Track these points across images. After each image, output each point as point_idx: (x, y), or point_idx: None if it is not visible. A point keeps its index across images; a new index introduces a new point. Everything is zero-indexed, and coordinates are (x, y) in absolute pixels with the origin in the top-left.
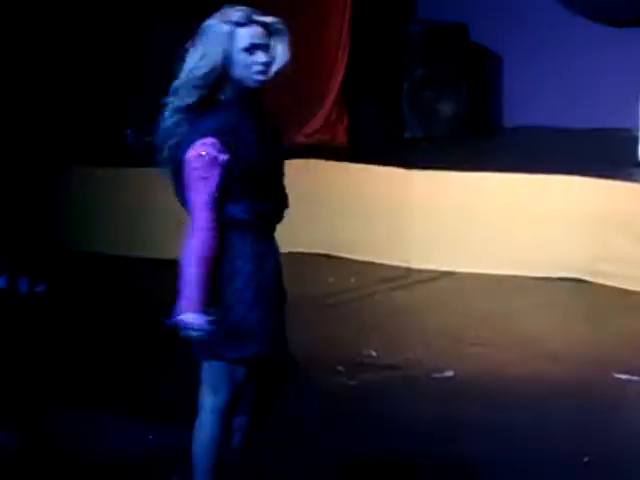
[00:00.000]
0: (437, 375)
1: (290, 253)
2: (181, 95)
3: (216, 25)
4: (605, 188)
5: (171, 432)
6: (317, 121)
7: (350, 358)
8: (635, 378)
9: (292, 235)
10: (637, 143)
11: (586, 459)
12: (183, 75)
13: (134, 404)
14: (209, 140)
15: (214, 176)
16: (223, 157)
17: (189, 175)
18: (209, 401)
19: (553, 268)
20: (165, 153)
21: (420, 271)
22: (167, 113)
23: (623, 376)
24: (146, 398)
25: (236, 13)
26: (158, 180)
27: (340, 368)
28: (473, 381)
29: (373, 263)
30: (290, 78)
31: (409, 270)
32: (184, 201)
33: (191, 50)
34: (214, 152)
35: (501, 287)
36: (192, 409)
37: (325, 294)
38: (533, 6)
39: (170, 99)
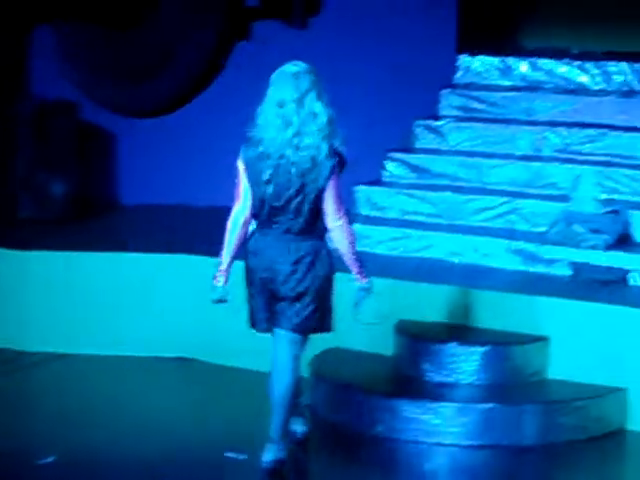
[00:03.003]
0: (43, 461)
1: None
2: (332, 136)
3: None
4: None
5: None
6: None
7: None
8: (242, 457)
9: None
10: None
11: None
12: (327, 119)
13: None
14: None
15: None
16: None
17: (336, 180)
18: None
19: (163, 348)
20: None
21: (35, 354)
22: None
23: (232, 455)
24: None
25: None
26: None
27: None
28: (81, 465)
29: None
30: None
31: (22, 353)
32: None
33: (311, 97)
34: None
35: (116, 368)
36: None
37: None
38: None
39: (325, 142)
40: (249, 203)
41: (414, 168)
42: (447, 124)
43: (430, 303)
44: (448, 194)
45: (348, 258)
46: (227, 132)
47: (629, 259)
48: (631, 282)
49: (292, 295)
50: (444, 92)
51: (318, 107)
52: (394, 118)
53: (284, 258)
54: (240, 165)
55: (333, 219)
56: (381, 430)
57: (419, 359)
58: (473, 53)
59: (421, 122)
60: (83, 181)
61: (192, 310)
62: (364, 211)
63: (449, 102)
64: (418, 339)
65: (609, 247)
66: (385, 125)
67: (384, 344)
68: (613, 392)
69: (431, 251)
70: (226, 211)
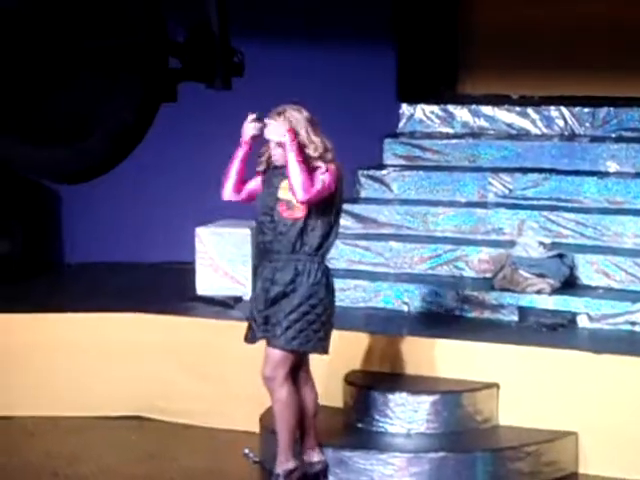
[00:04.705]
0: None
1: None
2: None
3: None
4: (163, 323)
5: None
6: None
7: None
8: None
9: None
10: (195, 277)
11: None
12: None
13: None
14: None
15: None
16: None
17: None
18: None
19: (113, 407)
20: None
21: None
22: None
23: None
24: None
25: None
26: None
27: None
28: None
29: None
30: None
31: None
32: None
33: None
34: None
35: (60, 429)
36: None
37: None
38: None
39: None
40: None
41: (359, 218)
42: (391, 173)
43: (379, 353)
44: (394, 243)
45: None
46: (168, 189)
47: (576, 302)
48: (579, 325)
49: None
50: (387, 141)
51: None
52: None
53: None
54: (338, 171)
55: None
56: None
57: (369, 410)
58: (414, 102)
59: (365, 172)
60: (26, 241)
61: (144, 368)
62: None
63: (393, 151)
64: (368, 390)
65: (555, 291)
66: None
67: (334, 395)
68: (564, 436)
69: (379, 301)
70: (173, 266)
